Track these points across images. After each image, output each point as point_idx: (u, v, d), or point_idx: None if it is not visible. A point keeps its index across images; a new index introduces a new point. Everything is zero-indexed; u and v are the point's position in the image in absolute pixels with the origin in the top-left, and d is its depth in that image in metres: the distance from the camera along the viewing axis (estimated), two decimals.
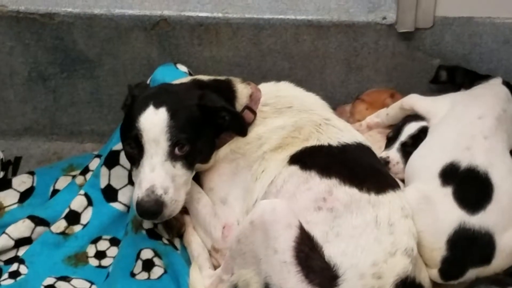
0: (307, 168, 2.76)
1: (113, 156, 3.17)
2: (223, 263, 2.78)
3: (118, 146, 3.10)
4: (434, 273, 2.80)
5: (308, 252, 2.49)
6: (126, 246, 3.00)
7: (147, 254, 2.93)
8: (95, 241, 3.09)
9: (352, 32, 3.45)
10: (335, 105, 3.43)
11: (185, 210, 2.97)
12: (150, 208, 2.70)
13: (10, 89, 3.67)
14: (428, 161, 2.98)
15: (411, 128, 3.21)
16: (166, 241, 2.99)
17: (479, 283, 2.79)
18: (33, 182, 3.34)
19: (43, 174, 3.38)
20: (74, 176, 3.30)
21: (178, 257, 2.95)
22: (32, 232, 3.10)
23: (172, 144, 2.75)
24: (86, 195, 3.14)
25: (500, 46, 3.44)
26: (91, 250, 3.08)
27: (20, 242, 3.09)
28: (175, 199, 2.76)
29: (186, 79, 3.10)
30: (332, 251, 2.53)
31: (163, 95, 2.84)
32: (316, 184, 2.71)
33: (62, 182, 3.31)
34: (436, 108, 3.18)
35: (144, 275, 2.89)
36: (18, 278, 2.96)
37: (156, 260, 2.93)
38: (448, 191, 2.86)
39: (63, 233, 3.08)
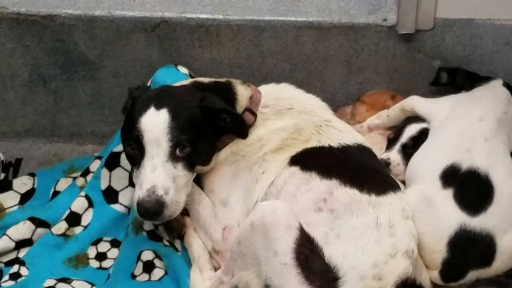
0: (307, 169, 2.77)
1: (113, 158, 3.18)
2: (223, 264, 2.78)
3: (119, 147, 3.10)
4: (435, 274, 2.80)
5: (308, 253, 2.49)
6: (126, 247, 3.00)
7: (147, 255, 2.93)
8: (95, 243, 3.09)
9: (352, 34, 3.46)
10: (336, 106, 3.43)
11: (185, 212, 2.97)
12: (151, 209, 2.70)
13: (10, 91, 3.67)
14: (428, 162, 2.98)
15: (411, 130, 3.21)
16: (166, 243, 2.99)
17: (479, 285, 2.80)
18: (33, 184, 3.34)
19: (43, 176, 3.38)
20: (74, 178, 3.30)
21: (178, 258, 2.95)
22: (33, 234, 3.10)
23: (173, 145, 2.75)
24: (86, 196, 3.14)
25: (501, 48, 3.44)
26: (91, 252, 3.08)
27: (21, 244, 3.09)
28: (176, 200, 2.76)
29: (187, 81, 3.11)
30: (333, 253, 2.53)
31: (164, 97, 2.84)
32: (317, 185, 2.71)
33: (63, 184, 3.32)
34: (436, 110, 3.18)
35: (144, 277, 2.89)
36: (19, 280, 2.97)
37: (157, 262, 2.93)
38: (448, 193, 2.85)
39: (63, 235, 3.08)
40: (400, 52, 3.49)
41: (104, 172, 3.17)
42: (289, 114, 3.01)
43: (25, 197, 3.30)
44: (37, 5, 3.49)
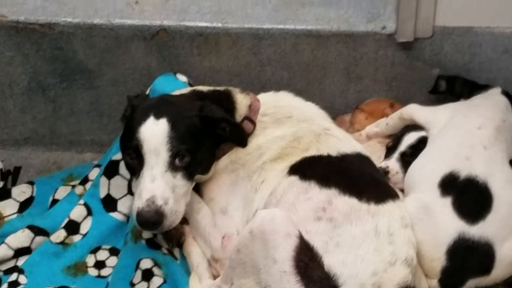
0: (306, 178, 2.76)
1: (112, 166, 3.17)
2: (222, 273, 2.77)
3: (118, 156, 3.10)
4: (434, 283, 2.80)
5: (307, 262, 2.49)
6: (125, 256, 2.99)
7: (146, 264, 2.93)
8: (94, 251, 3.09)
9: (351, 42, 3.46)
10: (335, 114, 3.44)
11: (184, 220, 2.96)
12: (150, 219, 2.70)
13: (9, 99, 3.67)
14: (427, 171, 2.99)
15: (410, 138, 3.22)
16: (165, 251, 2.99)
17: None
18: (32, 192, 3.34)
19: (42, 184, 3.38)
20: (73, 186, 3.29)
21: (177, 267, 2.94)
22: (32, 242, 3.10)
23: (172, 154, 2.75)
24: (85, 205, 3.14)
25: (499, 56, 3.44)
26: (90, 260, 3.07)
27: (20, 252, 3.08)
28: (175, 209, 2.76)
29: (186, 89, 3.11)
30: (332, 261, 2.52)
31: (163, 106, 2.84)
32: (316, 194, 2.71)
33: (62, 192, 3.31)
34: (435, 118, 3.19)
35: (143, 285, 2.89)
36: None
37: (156, 270, 2.92)
38: (447, 201, 2.86)
39: (62, 243, 3.08)
40: (399, 60, 3.50)
41: (103, 180, 3.17)
42: (288, 122, 3.01)
43: (24, 205, 3.29)
44: (36, 13, 3.49)
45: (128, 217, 3.11)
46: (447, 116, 3.16)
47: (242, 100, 3.04)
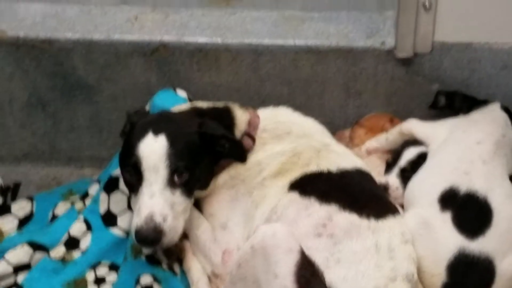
0: (306, 195, 2.76)
1: (112, 181, 3.17)
2: None
3: (118, 171, 3.09)
4: None
5: (309, 277, 2.48)
6: (125, 271, 2.98)
7: (146, 279, 2.92)
8: (94, 267, 3.08)
9: (351, 57, 3.46)
10: (334, 130, 3.44)
11: (184, 236, 2.96)
12: (149, 236, 2.70)
13: (9, 115, 3.67)
14: (427, 186, 2.99)
15: (410, 153, 3.22)
16: (165, 267, 2.98)
17: None
18: (32, 208, 3.33)
19: (42, 200, 3.37)
20: (73, 202, 3.29)
21: (177, 282, 2.94)
22: (31, 258, 3.08)
23: (171, 171, 2.75)
24: (85, 220, 3.13)
25: (498, 72, 3.45)
26: (90, 276, 3.06)
27: (19, 268, 3.07)
28: (174, 226, 2.75)
29: (185, 106, 3.11)
30: (333, 277, 2.52)
31: (162, 123, 2.84)
32: (316, 211, 2.71)
33: (61, 208, 3.30)
34: (435, 133, 3.19)
35: None
36: None
37: (156, 286, 2.91)
38: (447, 216, 2.86)
39: (62, 259, 3.07)
40: (398, 75, 3.50)
41: (103, 195, 3.16)
42: (287, 138, 3.02)
43: (24, 221, 3.28)
44: (35, 29, 3.49)
45: (128, 232, 3.10)
46: (447, 131, 3.17)
47: (241, 116, 3.04)
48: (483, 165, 2.98)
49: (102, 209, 3.15)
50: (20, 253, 3.08)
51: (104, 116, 3.65)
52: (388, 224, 2.69)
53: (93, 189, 3.26)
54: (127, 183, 2.86)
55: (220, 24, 3.53)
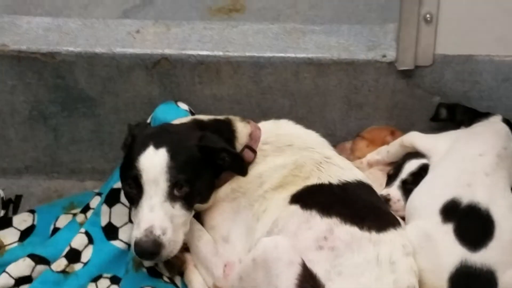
0: (307, 208, 2.76)
1: (113, 194, 3.17)
2: None
3: (119, 184, 3.09)
4: None
5: None
6: (127, 284, 2.98)
7: None
8: (95, 280, 3.07)
9: (352, 70, 3.46)
10: (336, 142, 3.44)
11: (186, 248, 2.96)
12: (148, 249, 2.70)
13: (11, 128, 3.67)
14: (428, 198, 2.98)
15: (411, 166, 3.22)
16: (167, 279, 2.98)
17: None
18: (33, 221, 3.33)
19: (43, 213, 3.37)
20: (74, 214, 3.29)
21: None
22: (33, 271, 3.08)
23: (171, 184, 2.75)
24: (86, 233, 3.13)
25: (500, 84, 3.45)
26: None
27: (21, 281, 3.06)
28: (174, 240, 2.75)
29: (186, 119, 3.11)
30: None
31: (163, 136, 2.85)
32: (317, 224, 2.70)
33: (63, 220, 3.31)
34: (436, 145, 3.19)
35: None
36: None
37: None
38: (449, 228, 2.85)
39: (63, 272, 3.06)
40: (399, 88, 3.50)
41: (104, 208, 3.17)
42: (289, 150, 3.02)
43: (25, 234, 3.28)
44: (37, 42, 3.50)
45: (129, 245, 3.10)
46: (448, 143, 3.17)
47: (242, 129, 3.05)
48: (486, 177, 2.98)
49: (104, 221, 3.15)
50: (21, 266, 3.08)
51: (105, 129, 3.65)
52: (389, 236, 2.69)
53: (95, 201, 3.26)
54: (127, 196, 2.87)
55: (222, 37, 3.54)
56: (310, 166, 2.93)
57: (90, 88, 3.55)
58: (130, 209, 3.04)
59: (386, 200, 3.14)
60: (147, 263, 2.97)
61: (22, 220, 3.33)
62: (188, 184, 2.78)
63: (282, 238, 2.62)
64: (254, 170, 2.98)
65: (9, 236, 3.26)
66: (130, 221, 3.10)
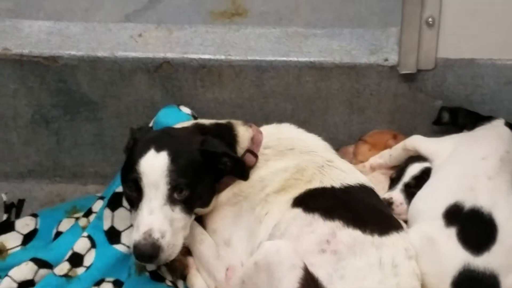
0: (310, 211, 2.76)
1: (116, 198, 3.17)
2: None
3: (121, 188, 3.10)
4: None
5: None
6: None
7: None
8: (98, 284, 3.07)
9: (354, 74, 3.46)
10: (338, 146, 3.43)
11: (188, 252, 2.96)
12: (146, 252, 2.70)
13: (13, 132, 3.68)
14: (431, 202, 2.98)
15: (414, 169, 3.21)
16: (169, 283, 2.98)
17: None
18: (36, 225, 3.33)
19: (46, 216, 3.37)
20: (77, 218, 3.29)
21: None
22: (35, 275, 3.08)
23: (171, 188, 2.75)
24: (89, 237, 3.13)
25: (502, 88, 3.45)
26: None
27: (23, 285, 3.06)
28: (173, 243, 2.75)
29: (188, 123, 3.11)
30: None
31: (164, 139, 2.85)
32: (320, 227, 2.70)
33: (65, 224, 3.30)
34: (439, 149, 3.19)
35: None
36: None
37: None
38: (452, 232, 2.85)
39: (66, 276, 3.06)
40: (401, 91, 3.50)
41: (107, 212, 3.17)
42: (291, 154, 3.02)
43: (28, 238, 3.28)
44: (40, 46, 3.50)
45: None
46: (451, 147, 3.16)
47: (244, 133, 3.05)
48: (488, 180, 2.98)
49: (106, 225, 3.15)
50: (24, 270, 3.08)
51: (108, 132, 3.65)
52: (392, 240, 2.69)
53: (97, 205, 3.26)
54: (127, 199, 2.88)
55: (224, 40, 3.54)
56: (312, 169, 2.93)
57: (92, 92, 3.55)
58: (130, 212, 3.04)
59: (389, 203, 3.13)
60: (149, 267, 2.97)
61: (24, 224, 3.33)
62: (188, 188, 2.78)
63: (285, 242, 2.62)
64: (256, 174, 2.98)
65: (12, 240, 3.26)
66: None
